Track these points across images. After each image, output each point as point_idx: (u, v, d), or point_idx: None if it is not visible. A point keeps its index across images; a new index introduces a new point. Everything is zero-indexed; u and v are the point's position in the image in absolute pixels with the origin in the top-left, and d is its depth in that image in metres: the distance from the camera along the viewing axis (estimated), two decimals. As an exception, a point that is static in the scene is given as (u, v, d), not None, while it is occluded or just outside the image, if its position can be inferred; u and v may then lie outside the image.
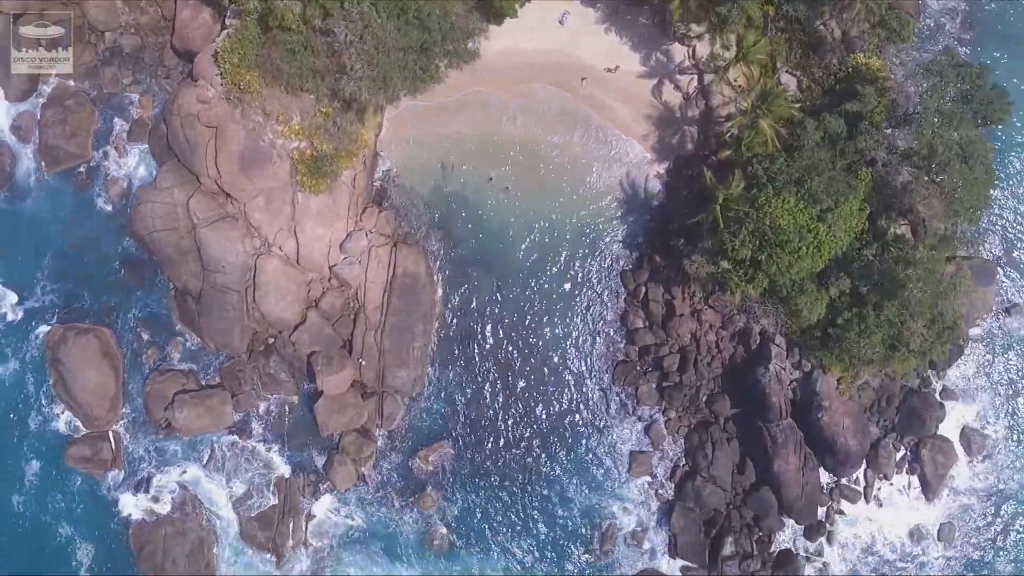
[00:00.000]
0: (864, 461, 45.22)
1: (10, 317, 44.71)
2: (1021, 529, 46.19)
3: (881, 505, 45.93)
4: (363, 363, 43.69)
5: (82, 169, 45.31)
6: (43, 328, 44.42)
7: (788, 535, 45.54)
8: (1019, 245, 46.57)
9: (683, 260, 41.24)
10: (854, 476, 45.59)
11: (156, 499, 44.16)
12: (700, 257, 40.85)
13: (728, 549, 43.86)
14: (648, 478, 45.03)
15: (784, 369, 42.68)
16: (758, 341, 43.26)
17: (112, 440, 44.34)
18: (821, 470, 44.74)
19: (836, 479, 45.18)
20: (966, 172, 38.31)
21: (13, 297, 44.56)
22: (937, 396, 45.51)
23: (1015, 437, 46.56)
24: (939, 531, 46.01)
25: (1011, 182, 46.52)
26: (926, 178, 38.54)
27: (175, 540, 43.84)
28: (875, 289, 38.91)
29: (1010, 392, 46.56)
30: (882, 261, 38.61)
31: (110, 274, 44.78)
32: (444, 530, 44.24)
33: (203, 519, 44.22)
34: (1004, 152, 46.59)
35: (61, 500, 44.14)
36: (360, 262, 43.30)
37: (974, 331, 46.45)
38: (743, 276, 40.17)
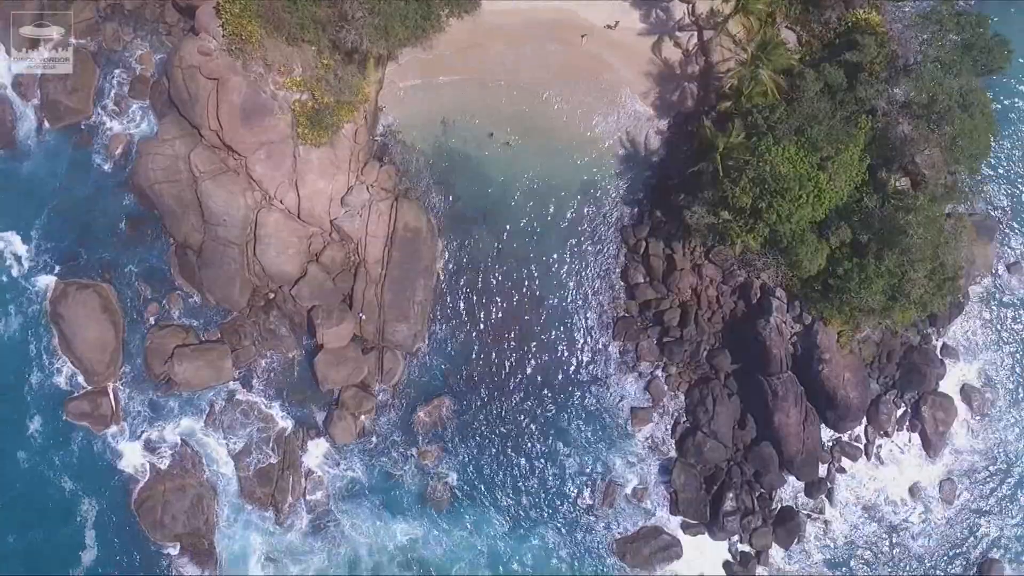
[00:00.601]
0: (865, 417, 45.24)
1: (13, 273, 44.62)
2: (1022, 487, 46.47)
3: (882, 463, 45.88)
4: (363, 317, 43.74)
5: (83, 126, 45.32)
6: (44, 284, 44.35)
7: (789, 493, 45.52)
8: (1019, 202, 46.77)
9: (683, 212, 41.33)
10: (855, 433, 45.58)
11: (156, 454, 44.03)
12: (700, 208, 40.95)
13: (729, 505, 43.75)
14: (649, 434, 45.00)
15: (785, 323, 42.64)
16: (759, 295, 43.24)
17: (112, 396, 44.21)
18: (822, 427, 44.75)
19: (837, 436, 45.25)
20: (966, 120, 38.42)
21: (15, 252, 44.42)
22: (938, 353, 45.64)
23: (1016, 395, 46.61)
24: (940, 489, 46.05)
25: (1012, 139, 46.70)
26: (926, 128, 38.68)
27: (174, 496, 43.62)
28: (875, 238, 38.97)
29: (1011, 350, 46.55)
30: (883, 209, 38.71)
31: (111, 230, 44.81)
32: (444, 484, 44.12)
33: (203, 475, 44.08)
34: (1004, 109, 46.67)
35: (63, 455, 43.98)
36: (361, 216, 43.38)
37: (975, 289, 46.47)
38: (743, 226, 40.26)
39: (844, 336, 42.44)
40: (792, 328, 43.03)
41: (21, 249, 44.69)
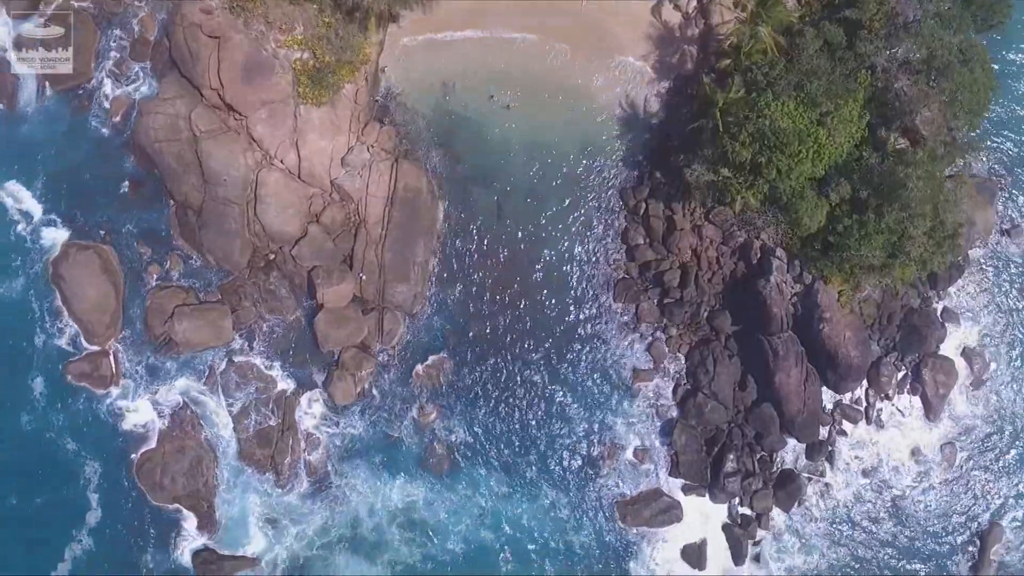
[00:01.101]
0: (865, 380, 45.18)
1: (19, 231, 44.56)
2: (1020, 450, 46.44)
3: (882, 426, 45.78)
4: (363, 278, 43.71)
5: (84, 88, 45.29)
6: (46, 245, 44.24)
7: (790, 456, 45.48)
8: (1020, 165, 46.83)
9: (683, 171, 41.37)
10: (855, 396, 45.56)
11: (155, 416, 43.97)
12: (700, 166, 41.03)
13: (730, 466, 43.67)
14: (649, 396, 44.94)
15: (785, 282, 42.59)
16: (759, 255, 43.21)
17: (112, 357, 44.08)
18: (823, 390, 44.56)
19: (837, 399, 45.14)
20: (966, 74, 38.57)
21: (21, 209, 44.41)
22: (938, 316, 45.61)
23: (1017, 358, 46.62)
24: (940, 452, 46.02)
25: (1011, 100, 46.76)
26: (925, 84, 38.80)
27: (174, 457, 43.46)
28: (875, 193, 39.03)
29: (1012, 313, 46.62)
30: (882, 165, 38.80)
31: (111, 192, 44.74)
32: (443, 445, 44.05)
33: (202, 437, 43.95)
34: (1004, 70, 46.66)
35: (65, 417, 43.80)
36: (361, 176, 43.43)
37: (974, 252, 46.52)
38: (743, 183, 40.38)
39: (844, 295, 42.44)
40: (792, 288, 43.02)
41: (25, 207, 44.50)
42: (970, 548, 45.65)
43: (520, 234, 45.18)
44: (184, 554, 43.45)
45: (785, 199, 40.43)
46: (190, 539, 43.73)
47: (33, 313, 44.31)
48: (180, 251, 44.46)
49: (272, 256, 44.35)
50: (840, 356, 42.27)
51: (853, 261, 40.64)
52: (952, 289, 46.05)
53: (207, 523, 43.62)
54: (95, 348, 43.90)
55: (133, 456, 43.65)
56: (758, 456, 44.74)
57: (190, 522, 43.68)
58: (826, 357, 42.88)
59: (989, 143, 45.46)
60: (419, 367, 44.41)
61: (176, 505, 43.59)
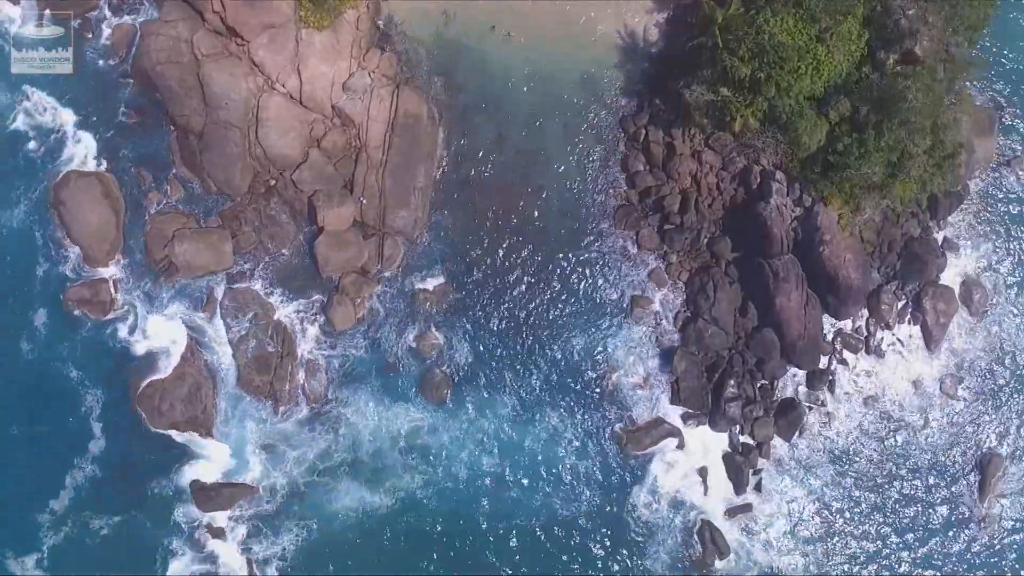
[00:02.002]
0: (866, 309, 45.23)
1: (13, 163, 44.60)
2: (1020, 381, 46.34)
3: (883, 356, 45.70)
4: (364, 202, 43.77)
5: (87, 17, 45.28)
6: (47, 172, 44.28)
7: (791, 386, 45.34)
8: (1019, 95, 46.91)
9: (683, 92, 41.57)
10: (856, 325, 45.58)
11: (154, 342, 43.90)
12: (699, 87, 41.19)
13: (730, 392, 43.56)
14: (650, 323, 44.86)
15: (785, 205, 42.72)
16: (758, 180, 43.24)
17: (111, 283, 44.01)
18: (824, 318, 44.56)
19: (838, 328, 45.04)
20: (967, -14, 38.90)
21: (20, 139, 44.50)
22: (939, 243, 45.66)
23: (1017, 288, 46.63)
24: (941, 383, 45.94)
25: (1012, 28, 46.81)
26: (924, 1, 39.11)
27: (173, 384, 43.22)
28: (875, 108, 39.20)
29: (1012, 244, 46.67)
30: (882, 80, 38.99)
31: (112, 120, 44.70)
32: (444, 371, 43.94)
33: (201, 363, 43.87)
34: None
35: (66, 345, 43.61)
36: (362, 101, 43.59)
37: (974, 183, 46.72)
38: (742, 101, 40.54)
39: (844, 218, 42.48)
40: (792, 211, 43.09)
41: (21, 140, 44.51)
42: (971, 478, 45.53)
43: (521, 161, 45.29)
44: (182, 481, 43.16)
45: (785, 118, 40.55)
46: (188, 466, 43.56)
47: (34, 239, 44.28)
48: (181, 177, 44.43)
49: (273, 182, 44.40)
50: (840, 278, 42.28)
51: (853, 181, 40.77)
52: (952, 218, 46.16)
53: (205, 450, 43.65)
54: (95, 274, 43.80)
55: (132, 383, 43.40)
56: (759, 384, 44.65)
57: (188, 449, 43.61)
58: (827, 281, 42.89)
59: (989, 66, 45.69)
60: (419, 292, 44.35)
61: (175, 432, 43.33)
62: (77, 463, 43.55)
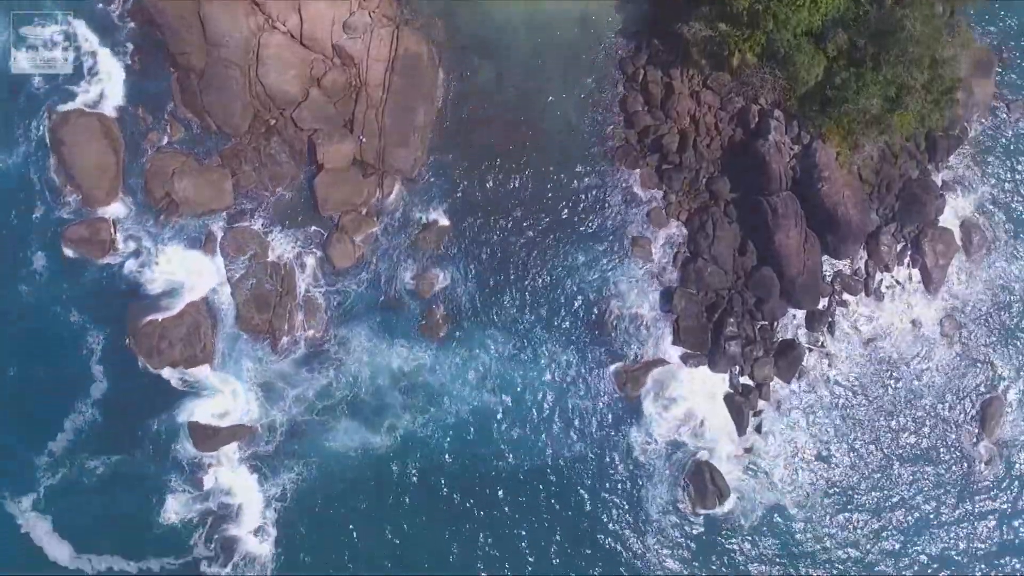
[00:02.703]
0: (865, 251, 45.18)
1: (13, 104, 44.51)
2: (1020, 322, 46.31)
3: (882, 298, 45.67)
4: (363, 141, 43.81)
5: (88, -39, 46.03)
6: (46, 112, 44.12)
7: (791, 328, 45.25)
8: (1018, 38, 46.86)
9: (681, 28, 41.77)
10: (855, 267, 45.55)
11: (153, 282, 43.82)
12: (698, 23, 41.33)
13: (730, 330, 43.55)
14: (649, 262, 44.87)
15: (783, 143, 42.78)
16: (757, 119, 43.31)
17: (111, 223, 44.01)
18: (823, 259, 44.44)
19: (837, 269, 44.94)
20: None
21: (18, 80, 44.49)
22: (937, 184, 45.65)
23: (1015, 231, 46.54)
24: (940, 325, 45.91)
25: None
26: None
27: (171, 323, 43.23)
28: (873, 40, 39.29)
29: (1009, 187, 46.63)
30: (879, 10, 39.13)
31: (113, 60, 44.68)
32: (443, 309, 43.94)
33: (200, 303, 43.86)
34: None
35: (64, 286, 43.69)
36: (362, 40, 43.64)
37: (973, 127, 46.47)
38: (741, 36, 40.63)
39: (843, 155, 42.50)
40: (791, 150, 43.16)
41: (21, 80, 44.47)
42: (971, 419, 45.48)
43: (520, 102, 45.32)
44: (180, 421, 43.18)
45: (783, 53, 40.57)
46: (186, 406, 43.50)
47: (32, 179, 44.20)
48: (181, 117, 44.42)
49: (273, 121, 44.39)
50: (839, 215, 42.25)
51: (851, 115, 40.84)
52: (952, 161, 46.16)
53: (204, 389, 43.60)
54: (94, 214, 43.81)
55: (131, 322, 43.32)
56: (758, 325, 44.59)
57: (187, 388, 43.47)
58: (825, 218, 42.85)
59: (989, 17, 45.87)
60: (419, 230, 44.40)
61: (173, 371, 43.34)
62: (75, 405, 43.67)
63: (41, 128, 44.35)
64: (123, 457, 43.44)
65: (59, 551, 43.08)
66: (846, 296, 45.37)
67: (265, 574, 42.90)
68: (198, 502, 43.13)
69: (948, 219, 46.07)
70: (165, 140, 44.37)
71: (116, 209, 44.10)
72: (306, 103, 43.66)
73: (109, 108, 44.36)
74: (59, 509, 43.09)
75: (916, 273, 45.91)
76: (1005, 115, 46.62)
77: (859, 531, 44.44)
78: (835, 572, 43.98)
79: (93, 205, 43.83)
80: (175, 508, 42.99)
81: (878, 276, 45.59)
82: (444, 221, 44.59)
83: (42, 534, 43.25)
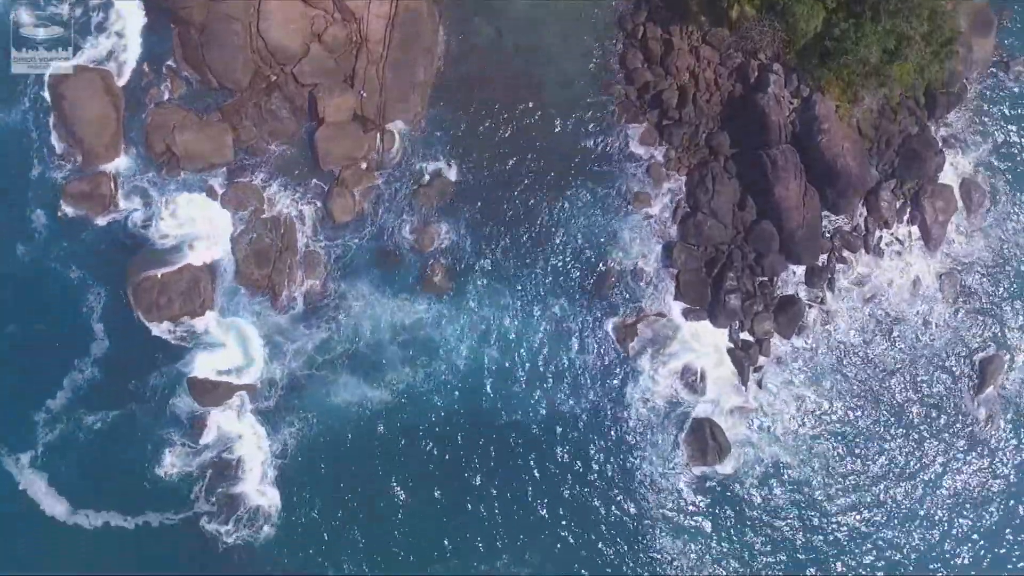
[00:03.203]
0: (864, 207, 45.24)
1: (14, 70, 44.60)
2: (1020, 280, 46.24)
3: (882, 255, 45.64)
4: (364, 95, 43.93)
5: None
6: (47, 69, 44.14)
7: (791, 285, 45.11)
8: (1018, -2, 47.17)
9: (680, -19, 42.17)
10: (854, 223, 45.58)
11: (153, 237, 43.69)
12: (698, -25, 41.77)
13: (730, 283, 43.51)
14: (650, 219, 44.83)
15: (783, 96, 42.92)
16: (756, 74, 43.48)
17: (112, 178, 44.09)
18: (823, 215, 44.53)
19: (837, 226, 44.99)
20: None
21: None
22: (937, 139, 45.70)
23: (1015, 190, 46.58)
24: (940, 283, 45.85)
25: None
26: None
27: (171, 277, 43.23)
28: (871, -13, 39.62)
29: (1009, 145, 46.64)
30: (879, -43, 39.45)
31: (115, 15, 44.61)
32: (444, 263, 43.92)
33: (200, 258, 43.60)
34: None
35: (64, 242, 43.72)
36: (363, -6, 44.11)
37: (972, 86, 46.45)
38: (740, -12, 40.95)
39: (842, 108, 42.62)
40: (790, 103, 43.28)
41: (23, 36, 44.36)
42: (971, 376, 45.41)
43: (520, 59, 45.38)
44: (180, 376, 43.07)
45: (782, 4, 40.69)
46: (186, 361, 43.43)
47: (32, 135, 44.21)
48: (182, 73, 44.48)
49: (274, 77, 44.45)
50: (839, 167, 42.28)
51: (850, 67, 40.97)
52: (951, 118, 46.20)
53: (203, 344, 43.61)
54: (95, 169, 43.80)
55: (130, 278, 43.25)
56: (758, 280, 44.59)
57: (186, 343, 43.41)
58: (825, 171, 42.88)
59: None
60: (419, 185, 44.45)
61: (172, 326, 43.26)
62: (74, 362, 43.56)
63: (42, 84, 44.46)
64: (122, 413, 43.25)
65: (56, 507, 42.91)
66: (846, 253, 45.32)
67: (266, 528, 42.79)
68: (197, 457, 42.96)
69: (948, 176, 46.02)
70: (166, 96, 44.42)
71: (117, 164, 44.09)
72: (307, 58, 43.72)
73: (110, 64, 44.51)
74: (57, 465, 42.94)
75: (916, 230, 45.87)
76: (1004, 74, 46.87)
77: (860, 486, 44.24)
78: (837, 524, 44.00)
79: (93, 161, 43.79)
80: (174, 463, 42.81)
81: (878, 233, 45.56)
82: (445, 176, 44.59)
83: (39, 490, 43.15)
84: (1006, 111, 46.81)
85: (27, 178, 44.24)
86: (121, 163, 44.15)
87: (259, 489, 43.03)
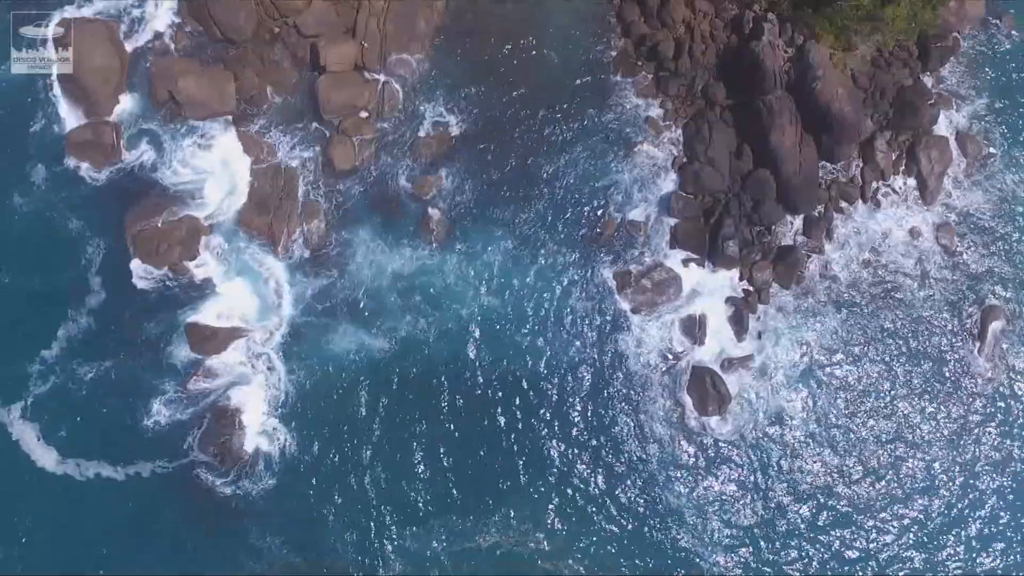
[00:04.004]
0: (860, 159, 45.62)
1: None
2: (1018, 232, 46.48)
3: (879, 206, 46.00)
4: (366, 45, 44.65)
5: None
6: (52, 25, 44.78)
7: (789, 236, 45.27)
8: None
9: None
10: (851, 174, 45.98)
11: (154, 186, 44.02)
12: (693, -76, 42.75)
13: (728, 230, 43.77)
14: (647, 168, 45.15)
15: (777, 46, 43.60)
16: (751, 25, 44.29)
17: (114, 126, 44.39)
18: (821, 165, 44.78)
19: (834, 176, 45.41)
20: None
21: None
22: (931, 90, 46.31)
23: (1009, 143, 47.10)
24: (937, 234, 46.01)
25: None
26: None
27: (171, 226, 43.13)
28: (863, -68, 40.55)
29: (1001, 99, 47.30)
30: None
31: (119, -28, 46.27)
32: (443, 212, 44.09)
33: (200, 206, 43.77)
34: None
35: (64, 194, 43.96)
36: (365, -53, 44.98)
37: (965, 41, 47.38)
38: (735, -64, 41.95)
39: (836, 56, 43.34)
40: (785, 52, 43.94)
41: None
42: (972, 329, 45.19)
43: (519, 13, 46.25)
44: (177, 324, 42.91)
45: (776, -48, 41.91)
46: (185, 309, 43.40)
47: (36, 86, 44.81)
48: (186, 25, 45.20)
49: (277, 30, 45.17)
50: (834, 112, 42.68)
51: (844, 12, 41.80)
52: (944, 73, 46.97)
53: (203, 291, 43.58)
54: (98, 118, 44.25)
55: (130, 226, 43.30)
56: (756, 230, 44.81)
57: (185, 291, 43.40)
58: (820, 117, 43.27)
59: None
60: (419, 136, 44.87)
61: (172, 274, 43.23)
62: (70, 312, 43.33)
63: (44, 41, 44.98)
64: (117, 362, 42.69)
65: (46, 458, 42.29)
66: (843, 203, 45.65)
67: (264, 478, 42.04)
68: (193, 405, 42.27)
69: (943, 129, 46.57)
70: (171, 47, 45.15)
71: (119, 113, 44.52)
72: (309, 9, 44.57)
73: (114, 14, 45.38)
74: (49, 415, 42.40)
75: (912, 182, 46.33)
76: (996, 29, 47.73)
77: (861, 438, 43.66)
78: (840, 473, 43.47)
79: (96, 110, 44.25)
80: (169, 412, 42.06)
81: (874, 184, 45.87)
82: (444, 126, 45.01)
83: (30, 441, 42.56)
84: (997, 66, 47.53)
85: (28, 130, 44.59)
86: (124, 111, 44.59)
87: (257, 438, 42.46)
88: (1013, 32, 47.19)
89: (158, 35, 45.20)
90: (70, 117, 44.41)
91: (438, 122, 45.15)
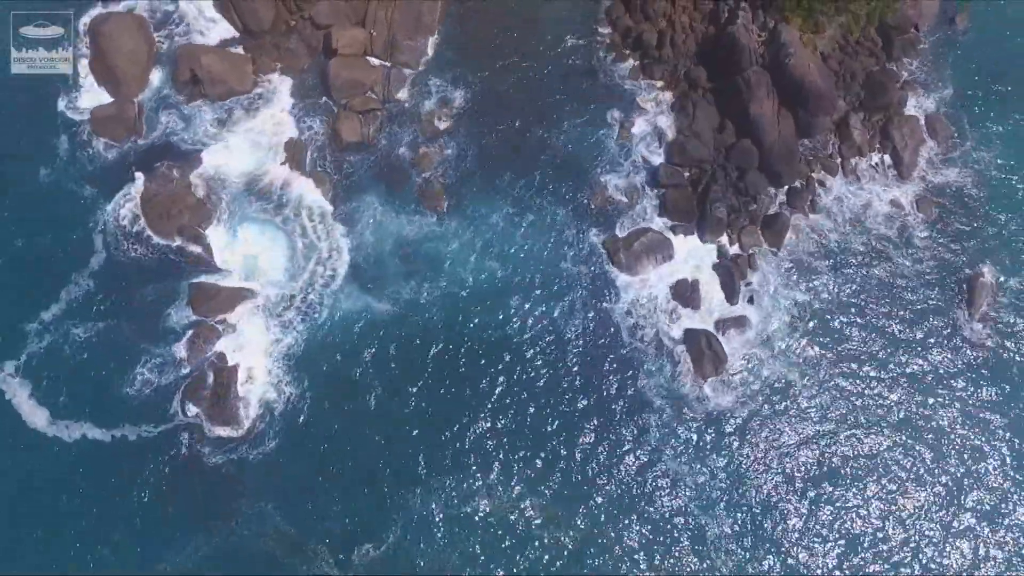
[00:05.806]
0: (836, 134, 48.28)
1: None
2: (996, 202, 48.37)
3: (859, 179, 48.31)
4: (374, 34, 48.66)
5: None
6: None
7: (774, 207, 47.21)
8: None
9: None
10: (829, 150, 48.39)
11: (169, 156, 46.46)
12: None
13: (715, 194, 45.78)
14: (636, 144, 47.95)
15: (752, 29, 47.35)
16: (726, 15, 48.46)
17: (136, 103, 47.70)
18: (802, 143, 47.58)
19: (813, 151, 47.87)
20: None
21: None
22: (898, 71, 49.74)
23: (976, 122, 49.96)
24: (917, 205, 47.98)
25: None
26: None
27: (182, 192, 45.37)
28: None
29: (962, 84, 50.70)
30: None
31: (148, -28, 50.92)
32: (444, 184, 46.40)
33: (212, 174, 46.21)
34: None
35: (81, 165, 46.50)
36: (375, -57, 49.88)
37: (926, 35, 51.48)
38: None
39: (806, 38, 47.04)
40: (759, 36, 47.65)
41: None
42: (957, 294, 46.07)
43: (518, 8, 51.02)
44: (183, 285, 44.18)
45: (747, -54, 46.47)
46: (191, 271, 44.71)
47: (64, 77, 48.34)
48: (210, 17, 49.56)
49: (293, 23, 49.59)
50: (808, 85, 45.82)
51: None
52: (913, 65, 50.69)
53: (208, 255, 44.90)
54: (123, 96, 47.58)
55: (142, 192, 45.52)
56: (743, 199, 46.87)
57: (192, 255, 44.89)
58: (795, 91, 46.36)
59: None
60: (423, 111, 48.10)
61: (179, 240, 45.12)
62: (73, 276, 44.56)
63: (75, 30, 48.89)
64: (119, 323, 43.51)
65: (38, 417, 42.05)
66: (824, 176, 48.02)
67: (261, 443, 41.43)
68: (192, 367, 42.50)
69: (912, 111, 49.75)
70: (197, 37, 49.13)
71: (143, 93, 47.95)
72: (323, 2, 49.06)
73: (144, 9, 49.77)
74: (41, 375, 42.50)
75: (888, 159, 48.84)
76: (950, 26, 51.90)
77: (853, 400, 43.50)
78: (833, 431, 43.01)
79: (121, 89, 47.65)
80: (167, 373, 42.41)
81: (853, 160, 48.44)
82: (447, 103, 48.37)
83: (22, 400, 42.45)
84: (956, 56, 51.47)
85: (56, 108, 47.76)
86: (148, 92, 48.06)
87: (256, 401, 42.21)
88: (968, 25, 51.57)
89: (186, 27, 49.58)
90: (98, 97, 47.85)
91: (441, 100, 48.54)
